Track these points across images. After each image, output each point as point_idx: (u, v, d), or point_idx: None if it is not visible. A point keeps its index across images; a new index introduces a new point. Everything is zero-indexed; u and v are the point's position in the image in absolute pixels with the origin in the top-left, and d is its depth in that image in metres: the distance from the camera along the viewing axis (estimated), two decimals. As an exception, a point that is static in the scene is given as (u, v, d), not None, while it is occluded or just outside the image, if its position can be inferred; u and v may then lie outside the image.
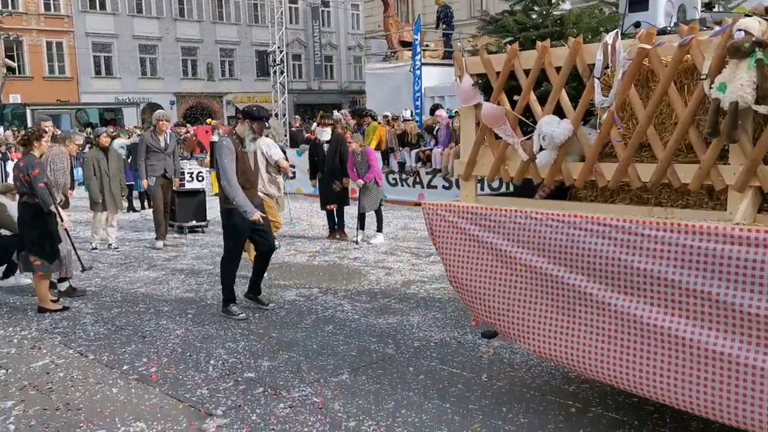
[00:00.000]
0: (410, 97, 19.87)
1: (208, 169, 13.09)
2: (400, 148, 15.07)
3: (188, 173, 11.25)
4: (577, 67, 3.59)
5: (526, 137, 3.88)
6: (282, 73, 19.88)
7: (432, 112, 16.43)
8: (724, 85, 2.97)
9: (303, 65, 44.21)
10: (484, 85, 4.17)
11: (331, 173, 10.35)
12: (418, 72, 18.92)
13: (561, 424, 3.94)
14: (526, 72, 3.79)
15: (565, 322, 3.53)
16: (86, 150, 9.95)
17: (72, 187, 7.93)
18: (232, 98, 40.57)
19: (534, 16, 4.82)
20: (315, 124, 17.56)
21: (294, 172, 16.50)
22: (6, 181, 15.63)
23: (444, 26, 21.74)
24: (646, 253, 3.19)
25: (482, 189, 13.93)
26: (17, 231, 6.95)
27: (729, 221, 3.09)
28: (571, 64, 3.60)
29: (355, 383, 4.65)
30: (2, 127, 24.30)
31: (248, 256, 8.03)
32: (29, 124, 23.74)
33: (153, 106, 33.57)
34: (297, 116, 24.32)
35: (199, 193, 11.47)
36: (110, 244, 10.03)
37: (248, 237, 6.52)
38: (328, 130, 10.71)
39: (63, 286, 7.28)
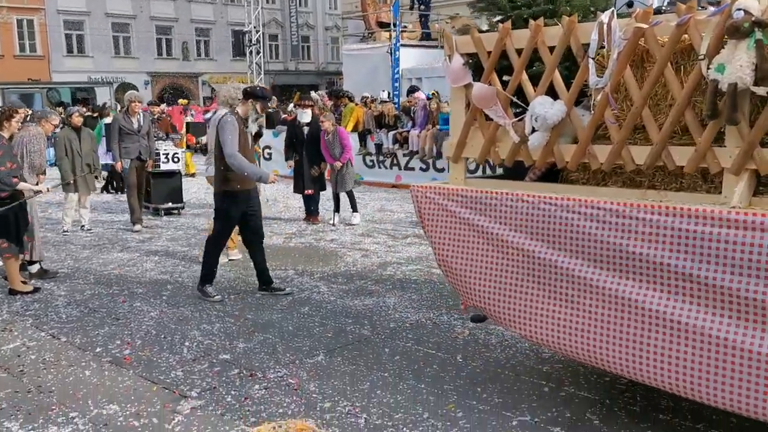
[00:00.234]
0: (388, 79, 19.78)
1: (183, 150, 12.94)
2: (378, 130, 15.02)
3: (164, 154, 11.08)
4: (570, 46, 3.52)
5: (517, 118, 3.81)
6: (258, 53, 19.68)
7: (409, 93, 16.39)
8: (723, 65, 2.91)
9: (280, 45, 43.74)
10: (474, 65, 4.06)
11: (310, 157, 10.16)
12: (397, 53, 18.81)
13: (534, 403, 3.98)
14: (518, 51, 3.71)
15: (557, 307, 3.50)
16: (58, 130, 9.72)
17: (43, 172, 7.78)
18: (208, 79, 40.10)
19: None
20: (291, 105, 17.40)
21: (270, 154, 16.45)
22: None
23: (422, 7, 21.63)
24: (641, 236, 3.15)
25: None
26: None
27: (724, 204, 3.06)
28: (566, 44, 3.52)
29: (331, 364, 4.66)
30: (-29, 107, 23.74)
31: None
32: (0, 103, 23.26)
33: (127, 86, 33.08)
34: (274, 97, 24.11)
35: (174, 175, 11.28)
36: (83, 226, 9.90)
37: (238, 223, 6.44)
38: (309, 111, 10.37)
39: (34, 269, 7.18)
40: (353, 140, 14.63)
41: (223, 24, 41.18)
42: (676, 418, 3.73)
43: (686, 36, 3.16)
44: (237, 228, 6.85)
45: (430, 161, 14.13)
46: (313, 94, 13.89)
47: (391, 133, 14.80)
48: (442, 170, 14.04)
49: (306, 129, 10.21)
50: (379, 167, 15.12)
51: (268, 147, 16.18)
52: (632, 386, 4.14)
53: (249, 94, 6.30)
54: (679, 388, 3.09)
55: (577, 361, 3.62)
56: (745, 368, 2.86)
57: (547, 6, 4.50)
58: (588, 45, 3.42)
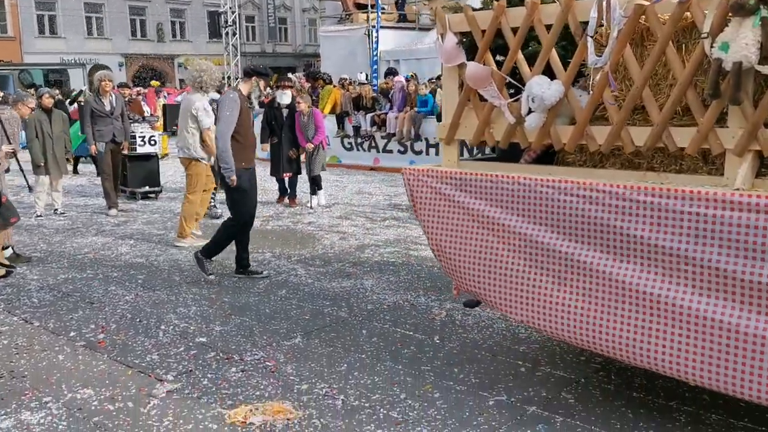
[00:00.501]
0: (365, 61, 19.68)
1: (160, 133, 12.74)
2: (355, 112, 14.96)
3: (140, 137, 10.82)
4: (568, 25, 3.41)
5: (513, 99, 3.70)
6: (234, 35, 19.44)
7: (387, 76, 16.32)
8: (727, 44, 2.82)
9: (256, 27, 43.27)
10: (468, 44, 3.95)
11: (289, 140, 10.01)
12: (376, 35, 18.70)
13: (511, 383, 4.00)
14: (514, 30, 3.58)
15: (555, 291, 3.42)
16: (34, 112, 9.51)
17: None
18: (184, 61, 39.59)
19: None
20: (268, 88, 17.18)
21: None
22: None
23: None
24: (642, 219, 3.09)
25: (437, 155, 13.91)
26: None
27: (727, 186, 2.99)
28: (563, 22, 3.40)
29: (308, 346, 4.65)
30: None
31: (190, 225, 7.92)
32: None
33: (100, 68, 32.55)
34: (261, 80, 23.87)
35: (151, 158, 11.05)
36: (56, 210, 9.75)
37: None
38: (289, 92, 10.14)
39: (7, 253, 7.06)
40: (331, 122, 14.57)
41: (198, 5, 40.61)
42: (649, 396, 3.78)
43: (688, 14, 3.07)
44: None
45: (408, 144, 14.12)
46: (290, 76, 13.76)
47: (369, 115, 14.76)
48: (419, 153, 14.05)
49: (285, 111, 10.05)
50: (357, 150, 15.08)
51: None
52: (607, 365, 4.18)
53: (252, 72, 6.25)
54: (680, 373, 3.04)
55: (575, 346, 3.55)
56: (749, 353, 2.81)
57: None
58: (586, 23, 3.31)
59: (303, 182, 10.54)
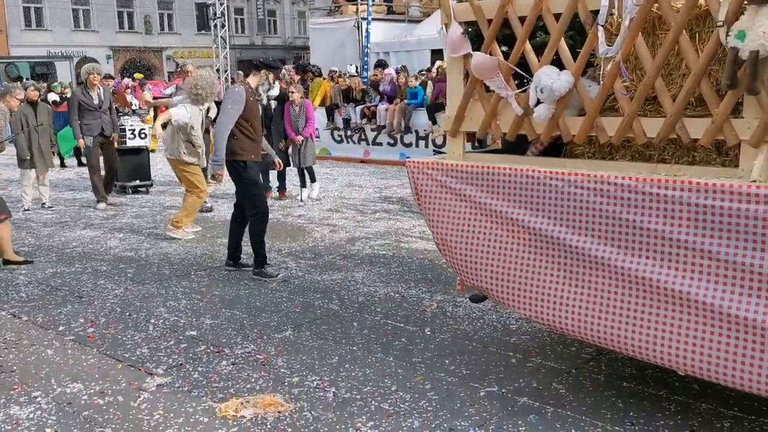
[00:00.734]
0: (355, 53, 19.62)
1: (150, 126, 12.62)
2: (345, 105, 14.92)
3: (130, 130, 10.70)
4: (577, 14, 3.31)
5: (520, 90, 3.62)
6: (223, 27, 19.33)
7: (377, 68, 16.28)
8: (743, 33, 2.75)
9: (245, 19, 43.06)
10: (473, 34, 3.82)
11: (278, 132, 9.94)
12: (369, 27, 18.63)
13: (501, 374, 4.01)
14: (521, 20, 3.50)
15: (565, 286, 3.35)
16: (23, 105, 9.40)
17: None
18: (173, 53, 39.36)
19: None
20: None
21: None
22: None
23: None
24: (655, 212, 3.01)
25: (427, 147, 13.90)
26: None
27: (742, 178, 2.93)
28: (573, 11, 3.31)
29: (299, 339, 4.64)
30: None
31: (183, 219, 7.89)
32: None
33: (87, 61, 32.32)
34: (240, 72, 23.79)
35: (142, 151, 10.92)
36: (44, 204, 9.68)
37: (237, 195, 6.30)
38: (277, 85, 9.93)
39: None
40: (321, 115, 14.53)
41: (186, -4, 40.38)
42: (639, 386, 3.79)
43: (702, 1, 3.03)
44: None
45: (398, 136, 14.10)
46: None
47: (359, 107, 14.72)
48: (409, 145, 14.03)
49: (274, 103, 9.99)
50: (347, 142, 15.05)
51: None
52: (597, 356, 4.20)
53: (262, 65, 6.19)
54: (695, 370, 2.97)
55: (586, 342, 3.46)
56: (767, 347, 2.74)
57: None
58: (596, 12, 3.23)
59: (292, 175, 10.51)
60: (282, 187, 10.35)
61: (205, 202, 9.33)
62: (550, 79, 3.39)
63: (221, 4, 19.46)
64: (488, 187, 3.60)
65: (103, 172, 10.06)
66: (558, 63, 3.49)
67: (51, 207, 9.67)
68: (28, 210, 9.45)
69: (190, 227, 7.97)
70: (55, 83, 20.28)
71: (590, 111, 3.37)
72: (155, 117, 16.80)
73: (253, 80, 6.17)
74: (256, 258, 6.14)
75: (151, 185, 11.10)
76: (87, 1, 37.37)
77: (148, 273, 6.37)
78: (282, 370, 4.13)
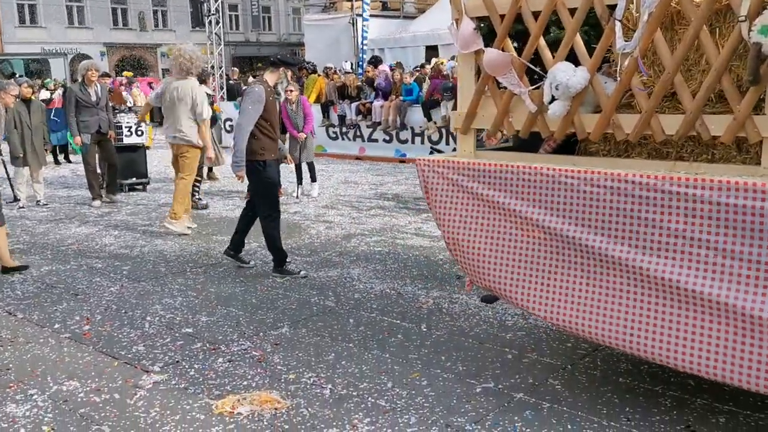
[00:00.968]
0: (350, 49, 19.59)
1: (147, 123, 12.60)
2: (340, 101, 14.91)
3: (126, 127, 10.64)
4: (594, 8, 3.24)
5: (534, 86, 3.56)
6: (218, 23, 19.24)
7: (370, 64, 16.26)
8: (767, 27, 2.70)
9: (240, 16, 42.94)
10: (486, 30, 3.75)
11: None
12: (365, 23, 18.60)
13: (498, 370, 4.02)
14: (535, 15, 3.43)
15: (580, 286, 3.28)
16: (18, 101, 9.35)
17: None
18: (167, 50, 39.22)
19: None
20: (251, 77, 17.11)
21: (231, 126, 16.19)
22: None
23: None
24: (675, 211, 2.94)
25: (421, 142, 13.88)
26: None
27: (764, 176, 2.88)
28: (588, 6, 3.25)
29: (295, 336, 4.64)
30: None
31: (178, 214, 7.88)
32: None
33: (82, 57, 32.21)
34: (235, 69, 23.74)
35: (138, 149, 10.86)
36: (38, 201, 9.65)
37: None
38: None
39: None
40: (316, 112, 14.51)
41: (180, -7, 40.23)
42: (635, 381, 3.81)
43: None
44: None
45: (394, 133, 14.10)
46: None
47: (354, 104, 14.70)
48: (405, 141, 14.04)
49: None
50: (343, 139, 15.03)
51: (230, 119, 15.95)
52: (593, 351, 4.21)
53: (281, 62, 6.11)
54: (718, 374, 2.88)
55: (602, 344, 3.38)
56: None
57: None
58: (612, 6, 3.18)
59: (286, 172, 10.48)
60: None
61: (200, 199, 9.34)
62: (565, 75, 3.32)
63: (216, 1, 19.39)
64: (501, 185, 3.53)
65: (99, 170, 10.04)
66: (570, 59, 3.43)
67: (46, 204, 9.64)
68: (22, 207, 9.42)
69: (194, 224, 7.95)
70: (48, 80, 20.20)
71: (607, 108, 3.31)
72: (152, 115, 16.82)
73: (270, 78, 6.06)
74: (275, 258, 6.13)
75: (148, 182, 11.06)
76: (81, -3, 37.24)
77: (143, 270, 6.36)
78: (278, 367, 4.13)
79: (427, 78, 13.86)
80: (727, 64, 2.95)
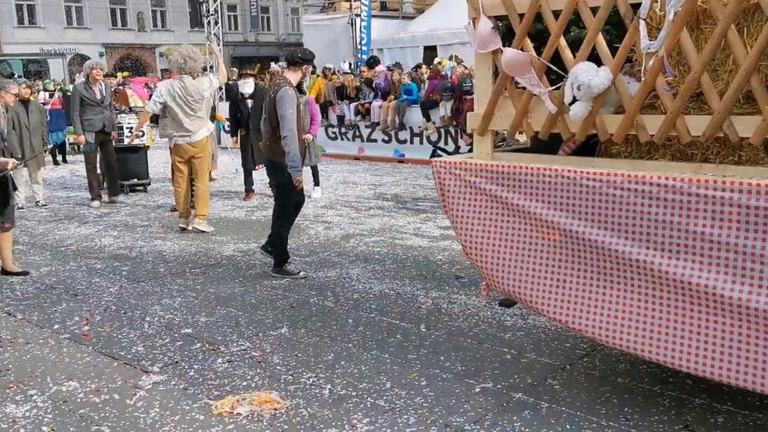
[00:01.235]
0: (348, 49, 19.59)
1: (149, 124, 12.57)
2: (339, 102, 14.92)
3: (127, 128, 10.58)
4: (617, 7, 3.18)
5: (554, 87, 3.49)
6: (216, 23, 19.25)
7: (371, 65, 16.27)
8: None
9: (239, 16, 42.93)
10: (504, 29, 3.69)
11: (257, 131, 9.74)
12: (365, 23, 18.61)
13: (496, 370, 4.03)
14: (555, 14, 3.35)
15: (604, 292, 3.21)
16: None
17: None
18: (166, 51, 39.21)
19: None
20: (238, 75, 16.89)
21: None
22: None
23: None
24: (702, 214, 2.87)
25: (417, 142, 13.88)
26: None
27: None
28: (612, 4, 3.18)
29: (294, 336, 4.65)
30: None
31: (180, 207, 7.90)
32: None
33: (80, 58, 32.22)
34: (234, 69, 23.74)
35: (139, 149, 10.81)
36: (38, 202, 9.66)
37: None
38: (251, 81, 9.85)
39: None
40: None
41: (179, -7, 40.22)
42: (634, 381, 3.82)
43: None
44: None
45: (393, 133, 14.11)
46: (273, 65, 13.66)
47: (353, 104, 14.71)
48: (404, 142, 14.05)
49: (250, 102, 9.65)
50: (342, 139, 15.05)
51: (228, 119, 15.92)
52: (592, 351, 4.22)
53: (302, 60, 6.03)
54: (748, 384, 2.81)
55: (625, 352, 3.28)
56: None
57: None
58: (636, 5, 3.11)
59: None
60: (250, 189, 10.06)
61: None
62: (588, 75, 3.25)
63: (214, 1, 19.40)
64: (520, 187, 3.46)
65: (99, 171, 10.04)
66: (591, 59, 3.36)
67: (45, 205, 9.65)
68: (21, 208, 9.40)
69: (184, 224, 7.97)
70: (47, 80, 20.20)
71: (630, 109, 3.23)
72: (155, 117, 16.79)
73: (293, 77, 5.99)
74: (276, 257, 6.13)
75: (149, 183, 11.04)
76: (80, -3, 37.23)
77: (142, 271, 6.36)
78: (278, 368, 4.14)
79: (425, 78, 13.87)
80: (756, 63, 2.88)
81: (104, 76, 10.05)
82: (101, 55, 37.05)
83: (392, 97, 14.04)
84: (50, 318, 5.11)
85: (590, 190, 3.21)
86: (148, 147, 11.70)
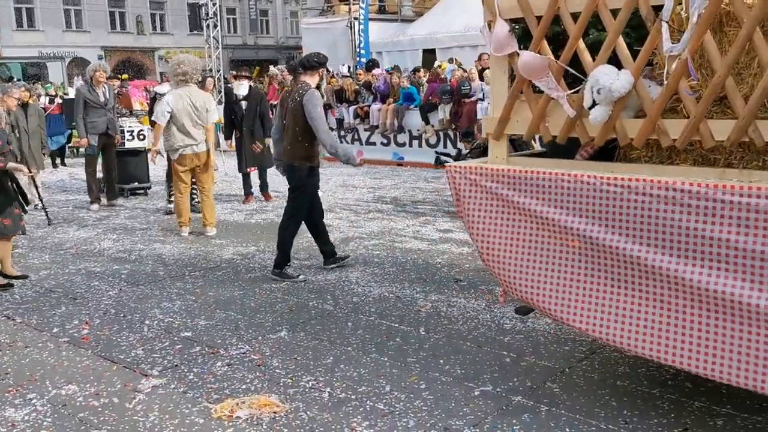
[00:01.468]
0: (348, 53, 19.61)
1: (148, 127, 12.57)
2: (338, 105, 14.93)
3: (128, 131, 10.56)
4: (639, 9, 3.12)
5: (572, 90, 3.42)
6: (216, 27, 19.28)
7: (369, 68, 16.29)
8: None
9: (238, 19, 42.94)
10: (521, 32, 3.64)
11: (251, 133, 9.58)
12: (363, 26, 18.63)
13: (496, 373, 4.03)
14: (574, 16, 3.31)
15: (625, 299, 3.17)
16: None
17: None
18: (165, 54, 39.23)
19: None
20: (233, 78, 16.90)
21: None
22: None
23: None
24: (727, 221, 2.81)
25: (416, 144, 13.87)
26: None
27: None
28: (633, 6, 3.12)
29: (294, 339, 4.65)
30: None
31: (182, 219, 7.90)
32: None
33: (79, 61, 32.25)
34: (233, 72, 23.77)
35: (140, 153, 10.77)
36: (37, 205, 9.64)
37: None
38: (245, 84, 9.81)
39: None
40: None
41: (178, -3, 40.23)
42: (633, 384, 3.82)
43: None
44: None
45: (391, 136, 14.13)
46: (272, 68, 13.67)
47: (352, 107, 14.73)
48: (403, 145, 14.07)
49: (244, 104, 9.62)
50: (341, 142, 15.04)
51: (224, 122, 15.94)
52: (591, 354, 4.22)
53: (318, 64, 6.08)
54: (763, 387, 2.77)
55: (646, 359, 3.28)
56: None
57: None
58: (657, 7, 3.06)
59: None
60: (265, 189, 10.08)
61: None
62: (609, 79, 3.19)
63: (213, 4, 19.42)
64: (538, 193, 3.41)
65: (99, 175, 10.03)
66: (609, 62, 3.32)
67: (44, 208, 9.62)
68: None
69: (186, 232, 7.96)
70: (47, 84, 20.20)
71: (652, 113, 3.17)
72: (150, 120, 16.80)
73: (311, 80, 6.02)
74: (277, 259, 6.14)
75: (149, 187, 11.02)
76: (78, 1, 37.20)
77: (142, 274, 6.36)
78: (277, 371, 4.14)
79: (424, 81, 13.89)
80: None
81: (107, 78, 10.03)
82: (100, 58, 37.01)
83: (391, 100, 14.06)
84: (49, 321, 5.11)
85: (611, 195, 3.16)
86: (149, 150, 11.69)
